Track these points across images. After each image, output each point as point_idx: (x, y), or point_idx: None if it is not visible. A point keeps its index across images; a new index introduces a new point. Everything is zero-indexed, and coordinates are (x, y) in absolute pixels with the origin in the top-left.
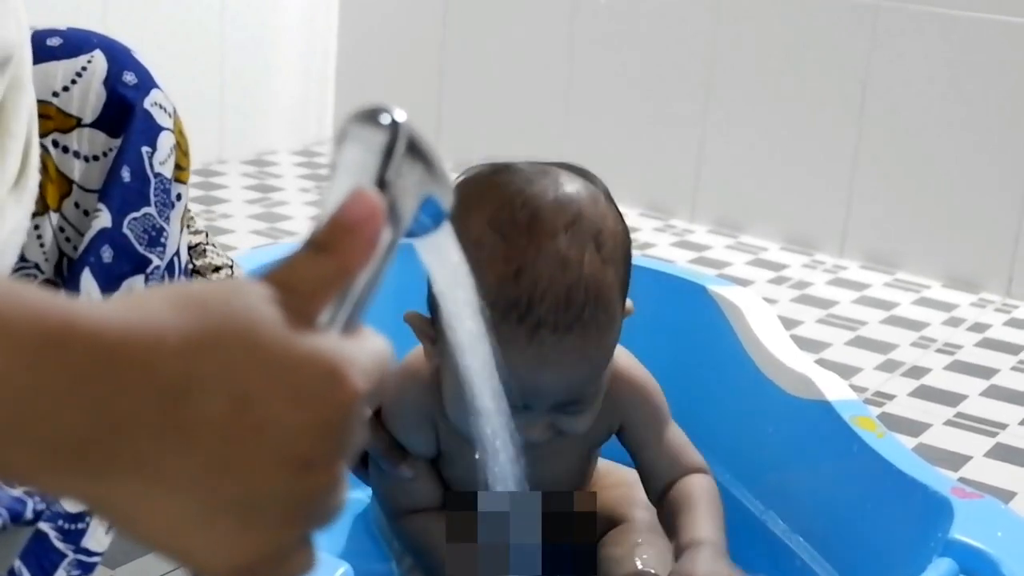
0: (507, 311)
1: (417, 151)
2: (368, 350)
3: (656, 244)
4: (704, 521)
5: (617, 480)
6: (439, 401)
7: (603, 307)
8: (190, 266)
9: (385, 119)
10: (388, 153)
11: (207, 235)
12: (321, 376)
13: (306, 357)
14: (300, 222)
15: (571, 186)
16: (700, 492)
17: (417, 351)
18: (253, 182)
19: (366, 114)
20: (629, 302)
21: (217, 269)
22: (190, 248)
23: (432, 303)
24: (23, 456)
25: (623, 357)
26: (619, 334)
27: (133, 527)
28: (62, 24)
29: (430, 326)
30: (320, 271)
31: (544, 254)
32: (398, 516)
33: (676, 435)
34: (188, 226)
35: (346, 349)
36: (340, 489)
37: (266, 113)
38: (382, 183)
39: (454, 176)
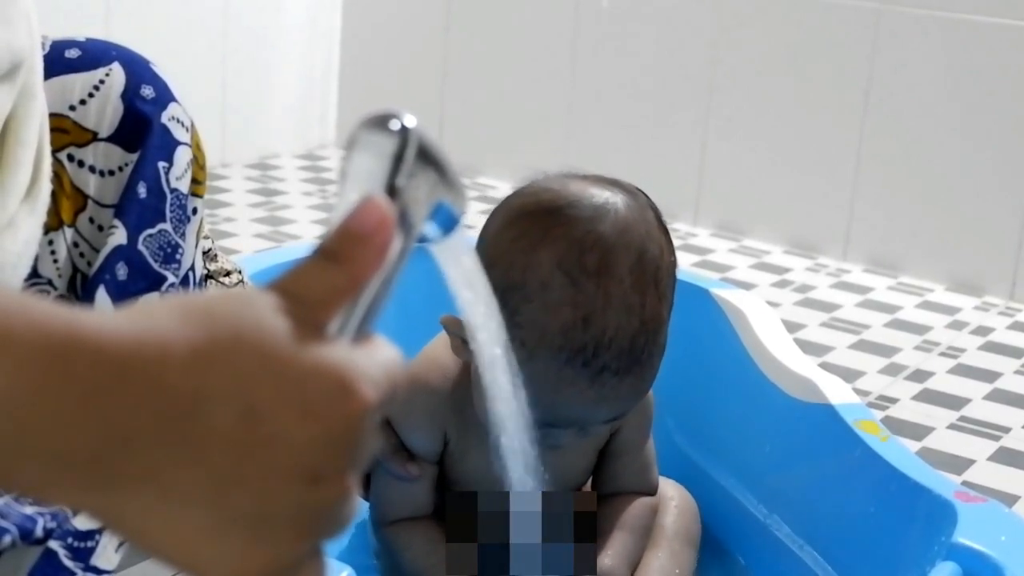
0: (573, 356)
1: (428, 157)
2: (378, 360)
3: None
4: (619, 549)
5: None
6: (451, 402)
7: (659, 344)
8: (204, 271)
9: (395, 125)
10: (398, 159)
11: (212, 240)
12: (330, 388)
13: (315, 369)
14: (303, 225)
15: (630, 216)
16: (637, 520)
17: (424, 354)
18: (256, 186)
19: (376, 120)
20: None
21: (228, 273)
22: (203, 253)
23: None
24: (32, 470)
25: None
26: None
27: (143, 540)
28: (81, 35)
29: (463, 327)
30: (330, 280)
31: (611, 302)
32: (388, 523)
33: (650, 450)
34: (205, 236)
35: (356, 360)
36: (350, 501)
37: (268, 115)
38: (392, 190)
39: (505, 188)
